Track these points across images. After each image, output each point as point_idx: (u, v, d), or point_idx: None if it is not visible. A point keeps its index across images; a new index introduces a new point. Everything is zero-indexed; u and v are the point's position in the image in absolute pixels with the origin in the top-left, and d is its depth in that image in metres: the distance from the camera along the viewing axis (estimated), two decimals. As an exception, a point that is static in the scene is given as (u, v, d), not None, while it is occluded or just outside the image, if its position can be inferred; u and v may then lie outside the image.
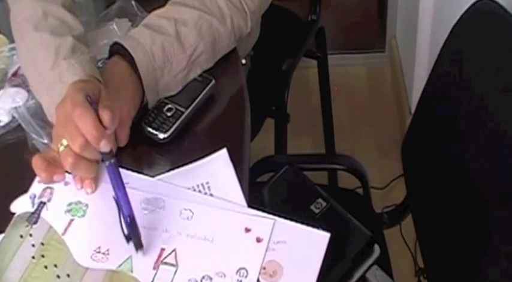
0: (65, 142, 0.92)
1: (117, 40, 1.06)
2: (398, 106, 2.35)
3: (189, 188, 0.98)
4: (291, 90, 1.73)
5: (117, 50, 1.06)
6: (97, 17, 1.25)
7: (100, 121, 0.91)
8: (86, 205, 0.98)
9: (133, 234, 0.91)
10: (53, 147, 0.96)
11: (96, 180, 0.99)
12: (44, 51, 1.03)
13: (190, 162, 1.01)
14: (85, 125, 0.89)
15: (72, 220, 0.96)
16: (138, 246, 0.91)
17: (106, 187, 0.98)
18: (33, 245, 0.94)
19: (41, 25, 1.06)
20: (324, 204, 1.12)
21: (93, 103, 0.92)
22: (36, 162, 0.95)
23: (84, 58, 1.02)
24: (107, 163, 0.91)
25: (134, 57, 1.03)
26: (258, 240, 0.92)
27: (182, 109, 1.06)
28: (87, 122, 0.89)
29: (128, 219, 0.90)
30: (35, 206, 0.98)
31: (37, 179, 1.00)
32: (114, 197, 0.91)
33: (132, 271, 0.90)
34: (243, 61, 1.23)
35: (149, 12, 1.14)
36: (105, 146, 0.90)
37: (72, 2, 1.13)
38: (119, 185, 0.91)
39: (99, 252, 0.92)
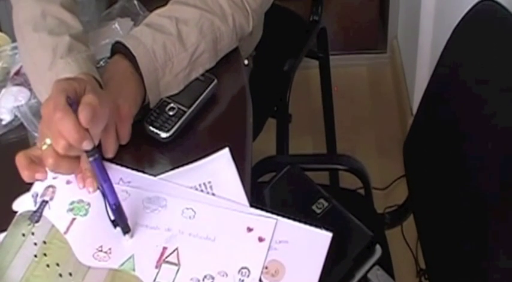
0: (48, 141, 0.92)
1: (118, 39, 1.06)
2: (400, 107, 2.35)
3: (191, 187, 0.98)
4: (293, 90, 1.73)
5: (119, 49, 1.06)
6: (99, 17, 1.26)
7: None
8: (88, 204, 0.98)
9: (119, 220, 0.92)
10: (38, 145, 0.96)
11: (97, 180, 0.99)
12: (42, 51, 1.04)
13: (192, 161, 1.01)
14: (66, 128, 0.88)
15: (74, 219, 0.96)
16: (125, 229, 0.92)
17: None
18: (35, 244, 0.94)
19: (40, 25, 1.06)
20: (326, 204, 1.12)
21: (73, 104, 0.90)
22: (19, 160, 0.94)
23: (80, 56, 1.02)
24: (91, 158, 0.90)
25: (136, 56, 1.03)
26: (260, 239, 0.92)
27: (184, 108, 1.07)
28: (67, 126, 0.88)
29: (114, 206, 0.91)
30: (37, 205, 0.98)
31: (39, 177, 1.00)
32: (99, 188, 0.93)
33: (134, 270, 0.90)
34: (246, 62, 1.23)
35: (151, 11, 1.14)
36: (87, 145, 0.89)
37: (73, 1, 1.13)
38: (104, 177, 0.91)
39: (101, 251, 0.92)
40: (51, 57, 1.02)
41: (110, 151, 1.01)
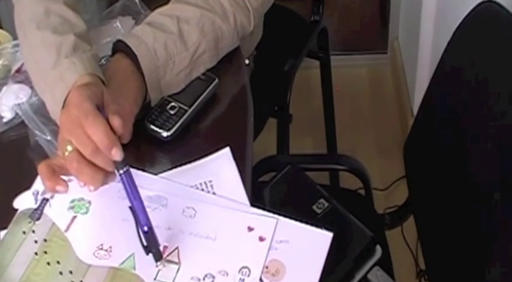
0: (69, 148, 0.91)
1: (120, 38, 1.06)
2: (400, 107, 2.35)
3: (192, 186, 0.98)
4: (293, 90, 1.73)
5: (120, 47, 1.06)
6: (100, 15, 1.26)
7: (110, 128, 0.90)
8: (89, 202, 0.98)
9: (152, 245, 0.89)
10: (59, 154, 0.95)
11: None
12: (46, 50, 1.03)
13: (193, 160, 1.01)
14: (97, 133, 0.88)
15: (75, 217, 0.96)
16: (158, 257, 0.89)
17: (109, 184, 0.98)
18: (35, 242, 0.94)
19: (43, 24, 1.06)
20: (326, 204, 1.12)
21: (103, 110, 0.91)
22: (41, 170, 0.93)
23: (85, 56, 1.02)
24: (121, 171, 0.89)
25: (137, 54, 1.03)
26: (261, 239, 0.92)
27: (185, 107, 1.07)
28: (99, 131, 0.88)
29: (146, 229, 0.88)
30: (38, 203, 0.98)
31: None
32: (130, 207, 0.89)
33: (134, 268, 0.90)
34: (246, 61, 1.23)
35: (152, 10, 1.14)
36: (116, 154, 0.88)
37: (76, 0, 1.13)
38: (134, 194, 0.89)
39: (101, 249, 0.92)
40: (55, 57, 1.02)
41: (112, 150, 1.00)
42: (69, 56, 1.01)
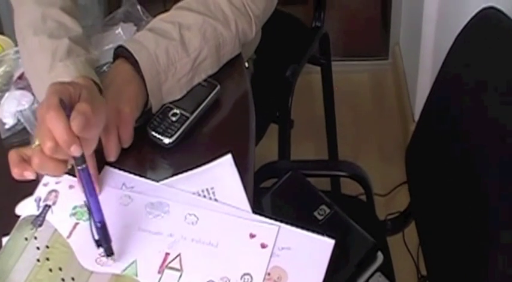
0: (37, 142, 0.90)
1: (121, 43, 1.07)
2: (402, 113, 2.35)
3: (193, 193, 0.98)
4: (295, 96, 1.73)
5: (121, 53, 1.06)
6: (102, 21, 1.26)
7: None
8: (91, 209, 0.98)
9: (104, 241, 0.90)
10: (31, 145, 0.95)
11: (100, 184, 0.99)
12: (42, 54, 1.04)
13: (195, 167, 1.01)
14: (56, 128, 0.86)
15: (77, 223, 0.96)
16: (108, 252, 0.91)
17: (110, 191, 0.98)
18: (38, 248, 0.94)
19: (40, 29, 1.07)
20: (328, 210, 1.13)
21: (67, 109, 0.88)
22: (11, 157, 0.92)
23: (79, 60, 1.03)
24: (79, 168, 0.89)
25: (138, 60, 1.04)
26: (263, 246, 0.92)
27: (187, 114, 1.07)
28: (58, 126, 0.86)
29: (99, 225, 0.89)
30: (40, 209, 0.98)
31: (42, 182, 1.01)
32: (85, 202, 0.90)
33: (136, 275, 0.90)
34: (246, 64, 1.23)
35: (154, 16, 1.14)
36: (75, 151, 0.87)
37: (74, 5, 1.14)
38: (90, 191, 0.89)
39: (104, 255, 0.92)
40: (50, 61, 1.02)
41: (112, 154, 1.01)
42: (63, 59, 1.02)
